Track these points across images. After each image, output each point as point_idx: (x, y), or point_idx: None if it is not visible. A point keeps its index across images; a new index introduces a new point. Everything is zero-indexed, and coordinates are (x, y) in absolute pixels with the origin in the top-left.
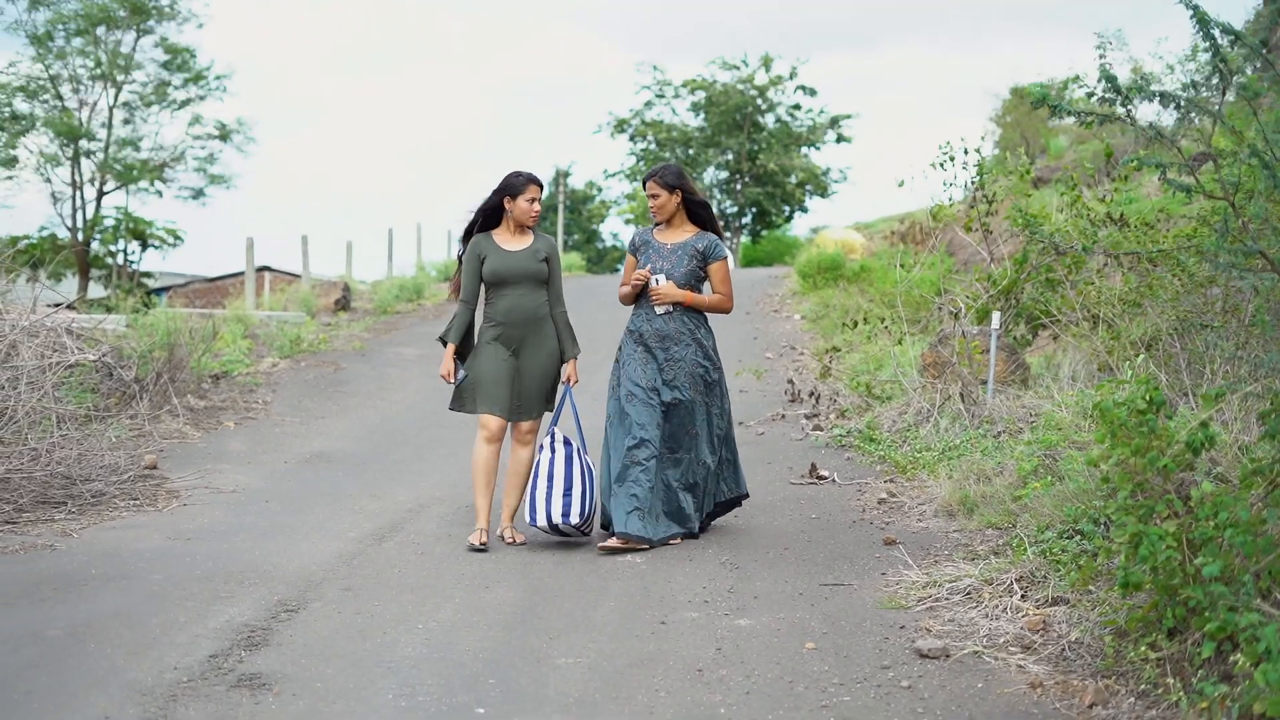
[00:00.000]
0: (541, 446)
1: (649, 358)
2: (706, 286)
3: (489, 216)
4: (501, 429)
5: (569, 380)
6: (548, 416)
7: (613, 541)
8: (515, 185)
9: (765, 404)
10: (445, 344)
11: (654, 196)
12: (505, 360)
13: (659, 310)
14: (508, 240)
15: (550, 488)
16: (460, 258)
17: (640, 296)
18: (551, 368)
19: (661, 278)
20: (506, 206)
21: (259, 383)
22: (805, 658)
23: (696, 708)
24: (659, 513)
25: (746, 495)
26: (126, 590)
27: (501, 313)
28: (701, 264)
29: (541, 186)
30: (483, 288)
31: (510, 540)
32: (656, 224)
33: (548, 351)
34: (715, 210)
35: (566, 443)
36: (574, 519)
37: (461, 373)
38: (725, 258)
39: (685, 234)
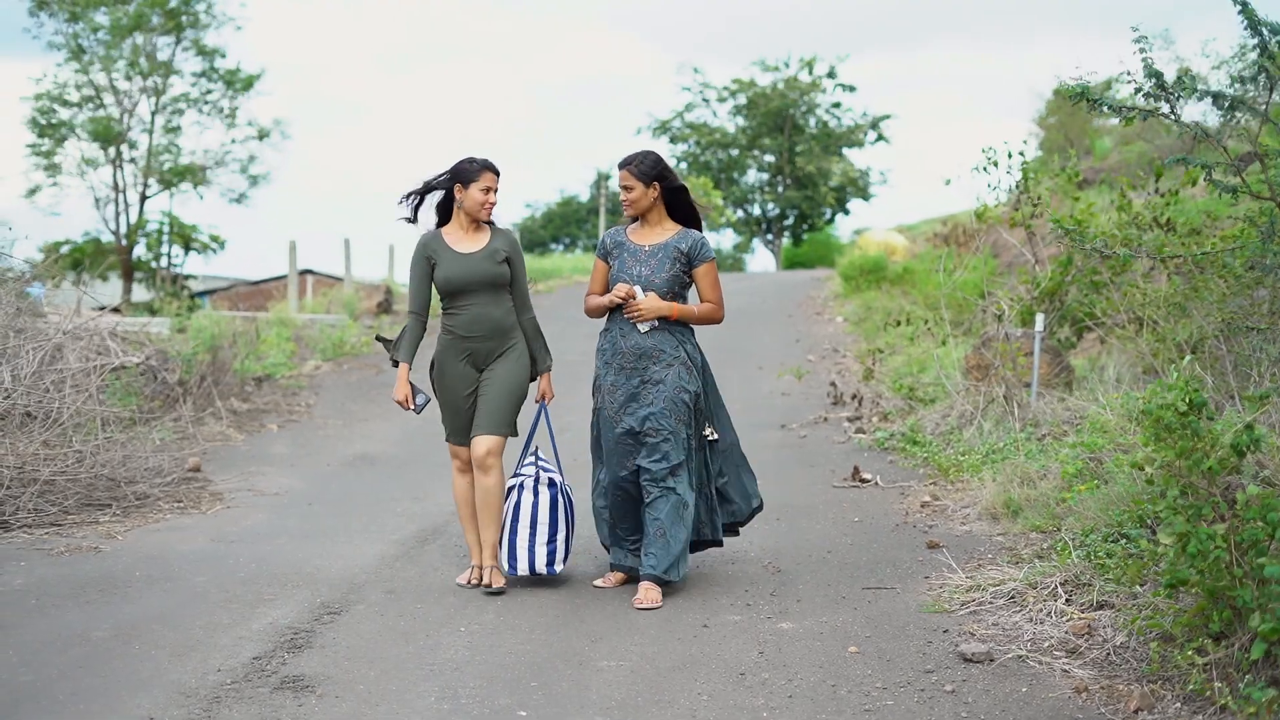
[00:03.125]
0: (522, 486)
1: (622, 380)
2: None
3: (439, 210)
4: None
5: (544, 397)
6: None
7: (611, 579)
8: (467, 171)
9: (808, 406)
10: (397, 365)
11: (626, 189)
12: (465, 378)
13: (642, 328)
14: (461, 240)
15: (533, 535)
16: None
17: (614, 309)
18: (520, 377)
19: (638, 290)
20: (457, 196)
21: (302, 385)
22: (848, 661)
23: (739, 711)
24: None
25: (736, 529)
26: (170, 592)
27: (463, 326)
28: (686, 267)
29: (498, 175)
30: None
31: (488, 582)
32: (629, 221)
33: (516, 358)
34: (758, 212)
35: (551, 485)
36: (557, 567)
37: (421, 397)
38: (713, 258)
39: (665, 233)
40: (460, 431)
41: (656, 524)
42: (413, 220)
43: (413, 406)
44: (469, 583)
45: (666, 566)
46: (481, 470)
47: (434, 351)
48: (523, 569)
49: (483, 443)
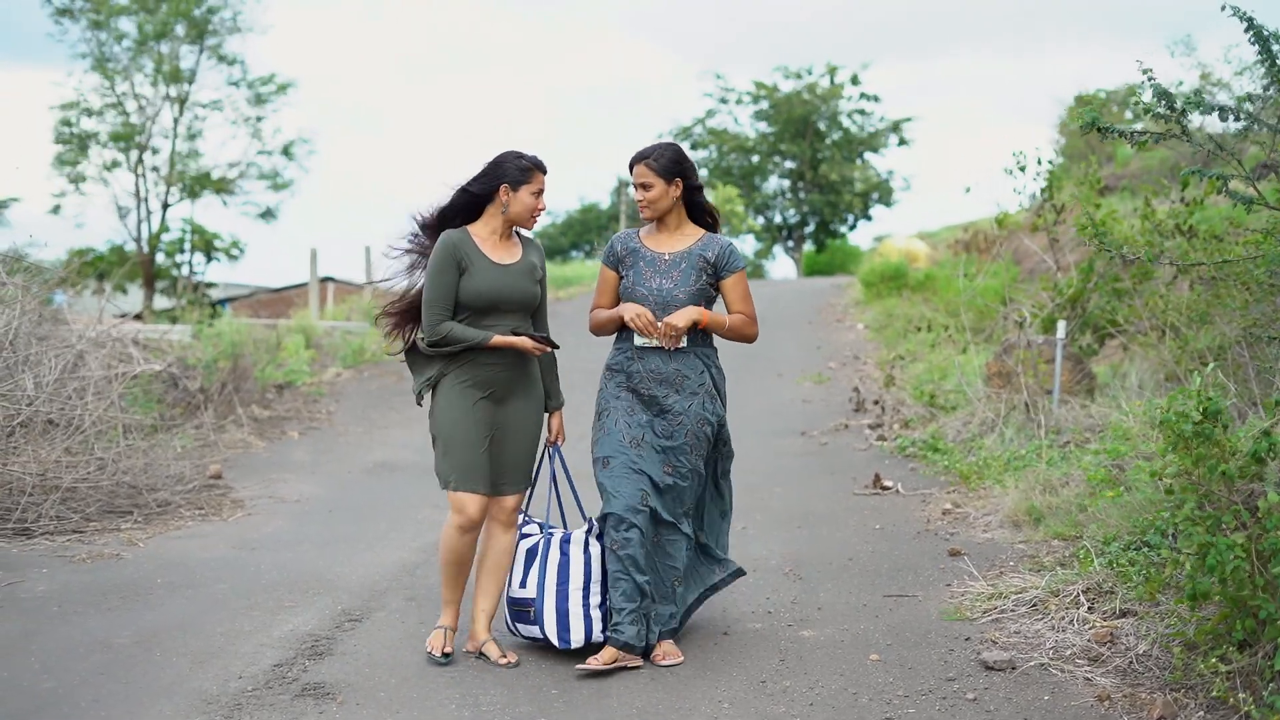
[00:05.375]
0: (568, 539)
1: (638, 406)
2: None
3: (454, 214)
4: (482, 511)
5: (557, 439)
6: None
7: (601, 659)
8: (517, 170)
9: (829, 414)
10: (487, 343)
11: (645, 187)
12: (482, 417)
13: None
14: (495, 247)
15: (587, 598)
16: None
17: (624, 326)
18: (540, 420)
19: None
20: (502, 199)
21: (322, 393)
22: (869, 669)
23: (760, 719)
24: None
25: (741, 572)
26: (192, 599)
27: (485, 351)
28: (713, 279)
29: (546, 174)
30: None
31: (501, 660)
32: (643, 225)
33: (536, 398)
34: (779, 218)
35: (600, 537)
36: (608, 630)
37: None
38: (743, 267)
39: (687, 239)
40: (472, 477)
41: (674, 571)
42: (426, 243)
43: (547, 340)
44: (443, 653)
45: (681, 616)
46: (505, 527)
47: (439, 383)
48: (578, 639)
49: (511, 501)
